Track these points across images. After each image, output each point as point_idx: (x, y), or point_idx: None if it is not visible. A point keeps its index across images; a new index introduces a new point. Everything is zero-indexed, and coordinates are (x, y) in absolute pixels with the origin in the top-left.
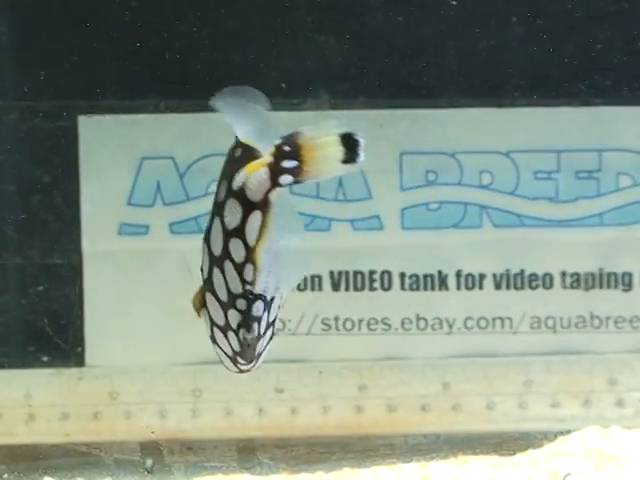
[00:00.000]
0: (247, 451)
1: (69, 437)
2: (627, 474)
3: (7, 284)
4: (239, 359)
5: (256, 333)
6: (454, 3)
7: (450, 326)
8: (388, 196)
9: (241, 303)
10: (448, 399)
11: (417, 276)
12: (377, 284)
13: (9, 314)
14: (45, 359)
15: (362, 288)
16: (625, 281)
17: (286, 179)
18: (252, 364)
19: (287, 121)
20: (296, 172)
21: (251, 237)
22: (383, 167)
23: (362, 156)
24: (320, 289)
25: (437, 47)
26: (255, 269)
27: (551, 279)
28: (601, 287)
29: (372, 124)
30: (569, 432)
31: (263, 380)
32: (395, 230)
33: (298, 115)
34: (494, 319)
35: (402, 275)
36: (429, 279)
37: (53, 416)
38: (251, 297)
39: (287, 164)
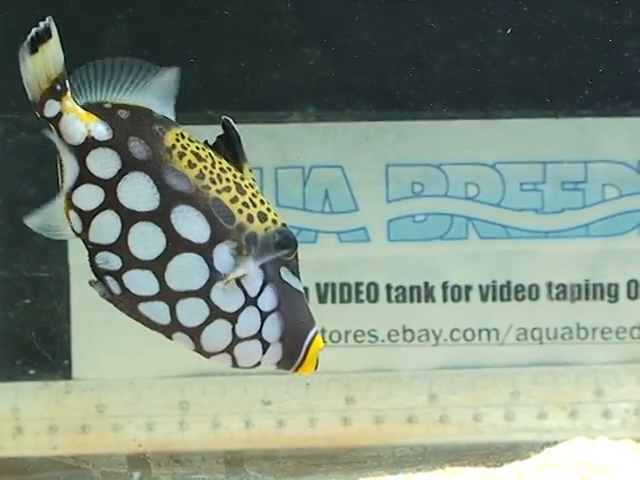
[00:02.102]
0: (234, 463)
1: (57, 450)
2: None
3: None
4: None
5: (116, 289)
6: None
7: (437, 338)
8: (374, 208)
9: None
10: (435, 410)
11: (403, 288)
12: (364, 296)
13: None
14: (32, 372)
15: (349, 300)
16: (611, 292)
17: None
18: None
19: (274, 134)
20: None
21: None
22: (369, 179)
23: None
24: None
25: (423, 59)
26: (67, 215)
27: (537, 290)
28: (587, 298)
29: (358, 136)
30: (556, 443)
31: (250, 392)
32: (381, 242)
33: (285, 127)
34: (480, 330)
35: (388, 287)
36: (415, 291)
37: (41, 429)
38: (89, 246)
39: None
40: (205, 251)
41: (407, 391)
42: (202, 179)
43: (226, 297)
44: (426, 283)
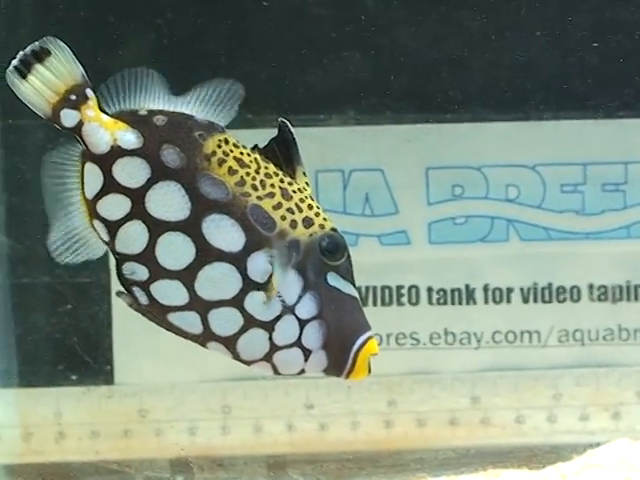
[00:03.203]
0: (277, 467)
1: (99, 455)
2: None
3: (37, 303)
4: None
5: (143, 299)
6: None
7: (478, 340)
8: (415, 211)
9: (113, 264)
10: (477, 413)
11: (445, 290)
12: (405, 299)
13: (39, 333)
14: (75, 377)
15: (390, 303)
16: None
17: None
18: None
19: (313, 137)
20: None
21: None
22: (409, 182)
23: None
24: None
25: (463, 61)
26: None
27: (579, 292)
28: (629, 299)
29: (398, 139)
30: (599, 445)
31: (292, 396)
32: (422, 245)
33: (324, 131)
34: (522, 333)
35: (430, 290)
36: (457, 293)
37: (83, 434)
38: (116, 256)
39: None
40: (238, 260)
41: (449, 394)
42: (242, 186)
43: (261, 306)
44: (467, 285)
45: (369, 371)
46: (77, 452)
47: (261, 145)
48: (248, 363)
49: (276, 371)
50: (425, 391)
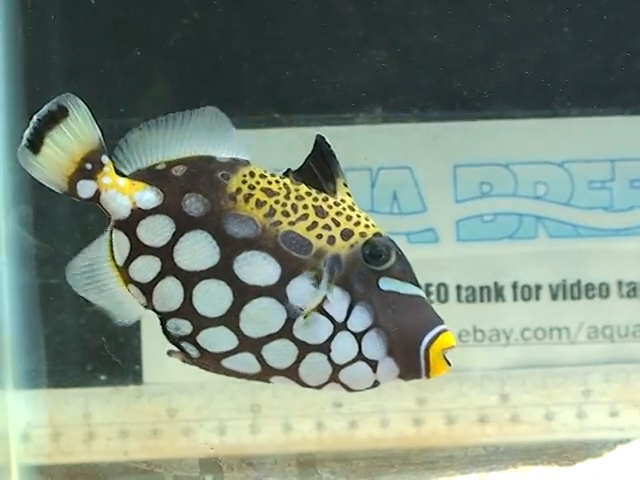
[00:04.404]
0: (307, 466)
1: (128, 455)
2: None
3: (64, 303)
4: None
5: (194, 352)
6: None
7: (507, 337)
8: (443, 209)
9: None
10: (507, 410)
11: (473, 288)
12: (433, 296)
13: (67, 333)
14: (103, 378)
15: None
16: None
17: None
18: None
19: (340, 135)
20: None
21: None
22: (437, 180)
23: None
24: None
25: (489, 59)
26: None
27: (607, 288)
28: None
29: (425, 137)
30: (629, 441)
31: (321, 394)
32: (450, 242)
33: (351, 129)
34: (551, 329)
35: (458, 287)
36: (485, 291)
37: (112, 434)
38: (159, 316)
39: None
40: (277, 291)
41: (478, 391)
42: (272, 216)
43: (311, 330)
44: (496, 283)
45: (449, 364)
46: (106, 452)
47: (294, 158)
48: (317, 388)
49: (348, 389)
50: (454, 389)
